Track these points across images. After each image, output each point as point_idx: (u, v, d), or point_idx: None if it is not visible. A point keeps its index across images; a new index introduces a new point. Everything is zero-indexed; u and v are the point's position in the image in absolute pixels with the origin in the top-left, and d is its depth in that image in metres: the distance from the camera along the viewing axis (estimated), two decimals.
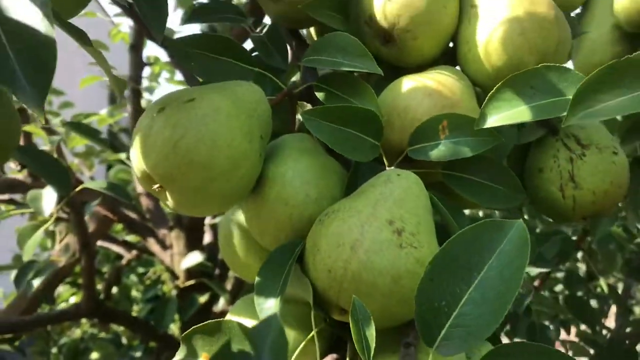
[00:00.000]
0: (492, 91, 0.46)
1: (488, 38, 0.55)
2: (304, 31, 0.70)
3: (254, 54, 0.63)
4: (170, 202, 0.50)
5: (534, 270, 0.76)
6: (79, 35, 0.47)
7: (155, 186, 0.49)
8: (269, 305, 0.47)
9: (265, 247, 0.55)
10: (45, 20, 0.29)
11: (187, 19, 0.61)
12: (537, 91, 0.45)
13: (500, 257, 0.37)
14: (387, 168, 0.53)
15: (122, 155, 1.81)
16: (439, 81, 0.54)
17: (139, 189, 1.75)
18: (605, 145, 0.60)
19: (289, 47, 0.63)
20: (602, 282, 1.55)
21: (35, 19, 0.29)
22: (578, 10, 0.94)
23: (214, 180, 0.48)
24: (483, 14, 0.56)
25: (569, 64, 1.03)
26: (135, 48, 1.64)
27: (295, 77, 0.73)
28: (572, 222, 0.68)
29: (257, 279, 0.50)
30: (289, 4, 0.58)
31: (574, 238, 1.12)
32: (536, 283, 1.04)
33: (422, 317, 0.37)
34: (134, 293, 2.32)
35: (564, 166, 0.60)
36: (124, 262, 2.22)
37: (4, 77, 0.29)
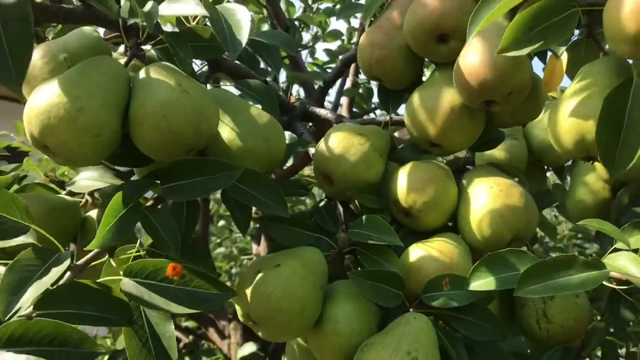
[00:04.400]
0: (474, 265, 0.70)
1: (477, 218, 0.80)
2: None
3: (312, 219, 0.90)
4: (261, 332, 0.75)
5: None
6: None
7: (252, 321, 0.75)
8: None
9: None
10: None
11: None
12: (501, 267, 0.69)
13: None
14: (409, 309, 0.77)
15: None
16: (441, 250, 0.78)
17: None
18: None
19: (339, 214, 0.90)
20: None
21: None
22: None
23: (292, 321, 0.73)
24: (473, 199, 0.82)
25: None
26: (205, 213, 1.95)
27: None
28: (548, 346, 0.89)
29: None
30: (340, 189, 0.85)
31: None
32: None
33: None
34: None
35: (539, 305, 0.83)
36: (181, 345, 2.48)
37: None
